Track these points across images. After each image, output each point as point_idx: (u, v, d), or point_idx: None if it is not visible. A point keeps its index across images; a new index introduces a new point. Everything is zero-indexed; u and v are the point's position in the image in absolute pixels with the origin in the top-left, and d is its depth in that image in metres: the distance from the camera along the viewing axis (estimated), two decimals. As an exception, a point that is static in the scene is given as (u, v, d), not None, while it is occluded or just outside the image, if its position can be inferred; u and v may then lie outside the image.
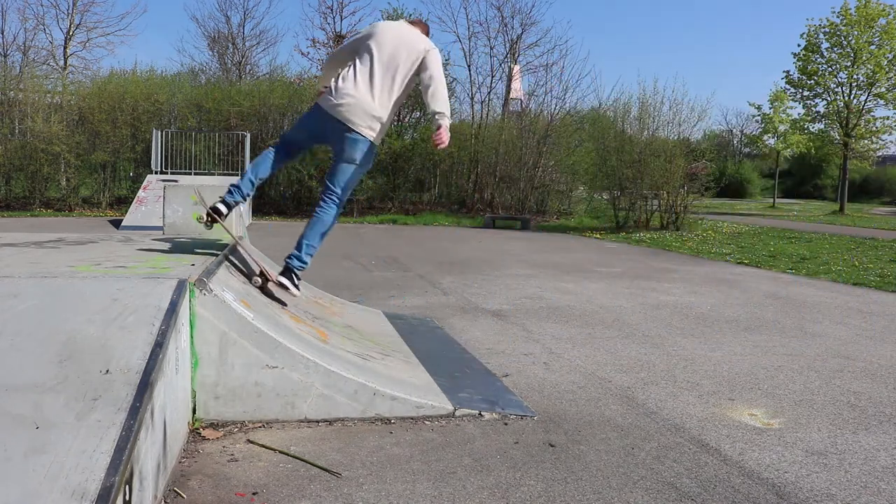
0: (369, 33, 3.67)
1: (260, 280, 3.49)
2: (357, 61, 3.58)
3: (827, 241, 13.23)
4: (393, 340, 4.08)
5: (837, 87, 28.05)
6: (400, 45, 3.59)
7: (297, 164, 17.23)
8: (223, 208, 3.54)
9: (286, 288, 3.49)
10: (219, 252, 3.54)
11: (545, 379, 3.67)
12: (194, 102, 18.07)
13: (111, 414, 1.94)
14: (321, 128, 3.59)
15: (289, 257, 3.56)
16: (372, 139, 3.52)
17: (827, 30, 27.64)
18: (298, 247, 3.57)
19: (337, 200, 3.61)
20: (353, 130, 3.47)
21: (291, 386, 2.85)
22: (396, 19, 19.16)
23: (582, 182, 18.79)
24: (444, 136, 3.53)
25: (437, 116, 3.52)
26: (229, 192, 3.58)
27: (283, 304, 3.49)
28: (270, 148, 3.73)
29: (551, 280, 7.40)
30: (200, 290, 2.73)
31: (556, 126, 18.35)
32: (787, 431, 2.98)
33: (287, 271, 3.54)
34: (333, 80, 3.62)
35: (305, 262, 3.57)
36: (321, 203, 3.61)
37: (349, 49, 3.73)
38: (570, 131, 18.82)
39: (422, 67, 3.59)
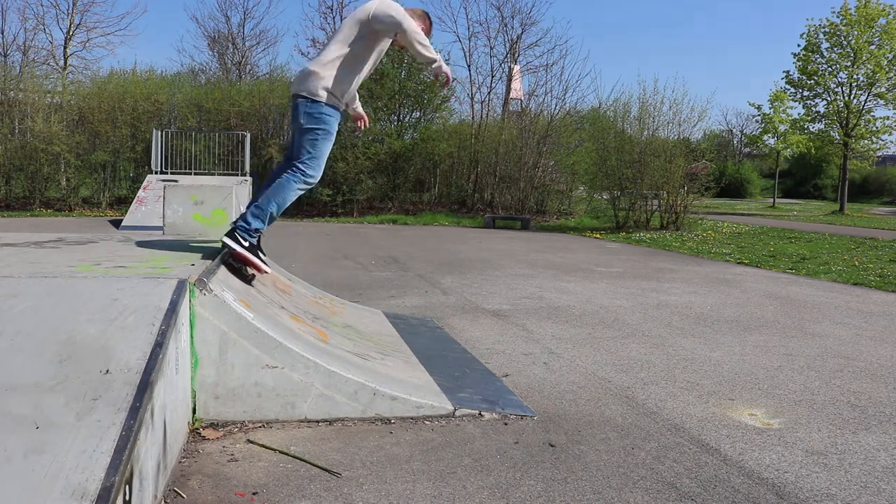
0: None
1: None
2: None
3: (827, 241, 13.23)
4: (393, 340, 4.08)
5: (837, 87, 28.07)
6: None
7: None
8: None
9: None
10: (219, 252, 3.53)
11: (545, 379, 3.67)
12: (194, 102, 18.09)
13: (111, 414, 1.94)
14: None
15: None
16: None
17: (827, 30, 27.66)
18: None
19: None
20: None
21: (291, 386, 2.85)
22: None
23: (582, 182, 18.80)
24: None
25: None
26: None
27: (249, 282, 3.33)
28: None
29: (551, 280, 7.40)
30: (200, 290, 2.73)
31: (556, 126, 18.35)
32: (787, 431, 2.98)
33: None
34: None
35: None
36: None
37: None
38: (570, 131, 18.83)
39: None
